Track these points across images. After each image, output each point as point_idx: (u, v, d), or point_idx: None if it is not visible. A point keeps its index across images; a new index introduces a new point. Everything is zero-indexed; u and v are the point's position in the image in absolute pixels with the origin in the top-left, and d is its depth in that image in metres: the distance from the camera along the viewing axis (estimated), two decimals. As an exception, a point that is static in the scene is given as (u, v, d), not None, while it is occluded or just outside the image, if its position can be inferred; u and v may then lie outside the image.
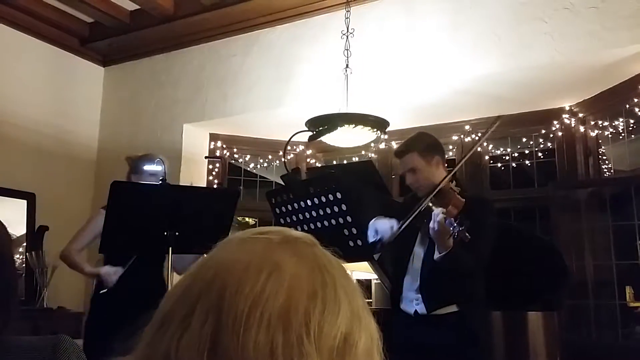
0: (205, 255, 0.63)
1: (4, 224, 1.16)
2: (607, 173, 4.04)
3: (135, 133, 4.94)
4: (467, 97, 3.98)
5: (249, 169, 5.02)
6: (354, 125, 3.42)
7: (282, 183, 3.23)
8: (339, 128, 3.33)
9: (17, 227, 4.39)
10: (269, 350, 0.53)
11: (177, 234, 2.64)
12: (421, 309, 2.59)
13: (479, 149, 4.40)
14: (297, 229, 0.66)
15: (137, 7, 4.64)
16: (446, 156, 2.95)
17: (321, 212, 2.60)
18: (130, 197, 2.70)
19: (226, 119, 4.65)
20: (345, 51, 3.84)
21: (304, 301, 0.56)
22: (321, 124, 3.33)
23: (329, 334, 0.55)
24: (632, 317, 3.66)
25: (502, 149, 4.41)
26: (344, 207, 2.53)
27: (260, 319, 0.53)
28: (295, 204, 2.70)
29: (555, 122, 4.17)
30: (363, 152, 4.69)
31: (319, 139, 3.36)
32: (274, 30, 4.47)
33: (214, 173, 4.86)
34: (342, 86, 3.79)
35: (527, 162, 4.33)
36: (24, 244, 4.45)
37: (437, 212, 2.36)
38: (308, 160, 4.94)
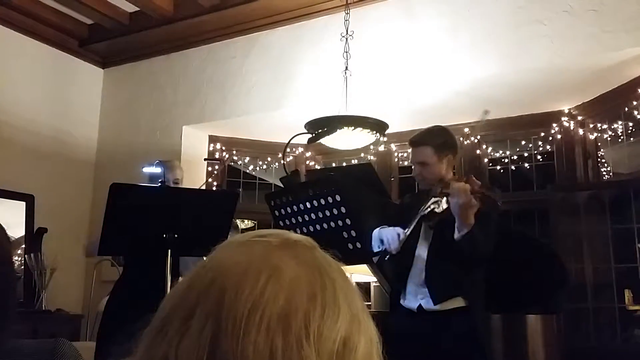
0: (204, 258, 0.62)
1: (3, 225, 1.15)
2: (606, 176, 4.04)
3: (135, 135, 4.94)
4: (466, 100, 3.98)
5: (248, 171, 5.02)
6: (353, 128, 3.42)
7: (282, 185, 3.21)
8: (338, 130, 3.33)
9: (16, 229, 4.37)
10: (268, 353, 0.52)
11: (176, 236, 2.64)
12: (426, 303, 2.56)
13: (477, 151, 4.42)
14: (296, 232, 0.66)
15: (137, 8, 4.64)
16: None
17: (320, 215, 2.59)
18: (129, 199, 2.69)
19: (225, 121, 4.66)
20: (345, 53, 3.85)
21: (303, 304, 0.55)
22: (320, 126, 3.33)
23: (328, 338, 0.55)
24: (631, 320, 3.65)
25: (501, 152, 4.42)
26: (343, 209, 2.53)
27: (259, 323, 0.53)
28: (295, 207, 2.69)
29: (554, 125, 4.17)
30: (362, 155, 4.69)
31: (318, 141, 3.36)
32: (273, 33, 4.48)
33: (213, 175, 4.85)
34: (341, 88, 3.79)
35: (526, 164, 4.33)
36: (23, 246, 4.44)
37: (457, 187, 2.33)
38: (307, 162, 4.94)
